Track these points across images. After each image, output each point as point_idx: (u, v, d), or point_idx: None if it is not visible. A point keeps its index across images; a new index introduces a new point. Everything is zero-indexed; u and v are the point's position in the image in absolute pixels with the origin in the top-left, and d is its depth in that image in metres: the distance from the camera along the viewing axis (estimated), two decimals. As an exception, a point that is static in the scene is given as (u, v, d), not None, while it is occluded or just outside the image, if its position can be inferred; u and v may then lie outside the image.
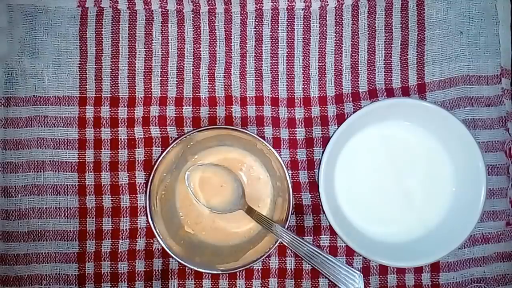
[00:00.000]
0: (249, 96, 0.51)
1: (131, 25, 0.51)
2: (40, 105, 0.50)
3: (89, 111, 0.50)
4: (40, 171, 0.50)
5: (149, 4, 0.50)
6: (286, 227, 0.45)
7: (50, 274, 0.50)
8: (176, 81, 0.51)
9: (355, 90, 0.51)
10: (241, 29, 0.51)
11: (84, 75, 0.50)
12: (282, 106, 0.51)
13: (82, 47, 0.50)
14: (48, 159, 0.50)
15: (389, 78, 0.51)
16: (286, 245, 0.45)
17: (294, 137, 0.51)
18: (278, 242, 0.46)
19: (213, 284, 0.50)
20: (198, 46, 0.51)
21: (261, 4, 0.51)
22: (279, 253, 0.51)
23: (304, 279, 0.51)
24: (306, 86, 0.51)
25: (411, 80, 0.51)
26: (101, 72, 0.51)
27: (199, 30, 0.51)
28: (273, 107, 0.51)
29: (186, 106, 0.51)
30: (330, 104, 0.51)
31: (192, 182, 0.49)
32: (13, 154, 0.50)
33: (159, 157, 0.46)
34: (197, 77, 0.51)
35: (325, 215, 0.47)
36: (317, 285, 0.51)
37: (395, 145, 0.50)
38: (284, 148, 0.51)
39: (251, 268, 0.50)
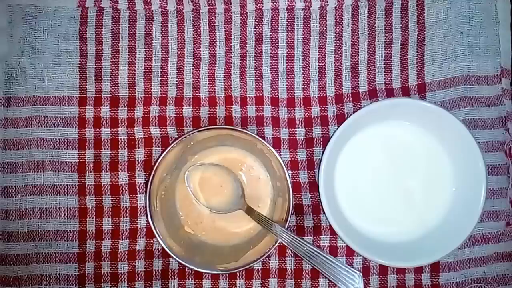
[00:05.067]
0: (249, 96, 0.51)
1: (131, 25, 0.51)
2: (40, 105, 0.50)
3: (89, 111, 0.50)
4: (40, 171, 0.50)
5: (149, 4, 0.50)
6: (286, 227, 0.45)
7: (50, 274, 0.50)
8: (176, 81, 0.51)
9: (355, 90, 0.51)
10: (241, 29, 0.51)
11: (84, 75, 0.50)
12: (282, 106, 0.51)
13: (82, 47, 0.50)
14: (48, 159, 0.50)
15: (389, 78, 0.51)
16: (286, 245, 0.45)
17: (294, 137, 0.51)
18: (278, 242, 0.45)
19: (213, 284, 0.50)
20: (198, 46, 0.51)
21: (261, 4, 0.51)
22: (279, 253, 0.51)
23: (304, 279, 0.51)
24: (306, 86, 0.51)
25: (411, 80, 0.51)
26: (101, 72, 0.51)
27: (199, 30, 0.51)
28: (273, 107, 0.51)
29: (186, 106, 0.51)
30: (330, 104, 0.51)
31: (192, 182, 0.49)
32: (13, 154, 0.50)
33: (159, 157, 0.46)
34: (197, 77, 0.51)
35: (325, 215, 0.47)
36: (317, 285, 0.51)
37: (395, 145, 0.50)
38: (284, 148, 0.51)
39: (251, 268, 0.50)
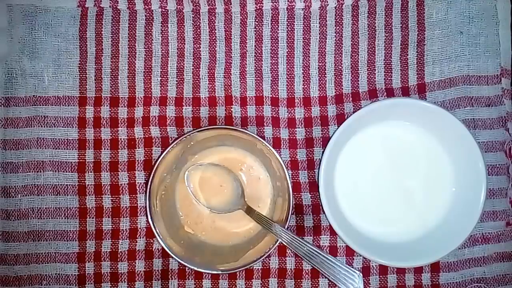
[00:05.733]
0: (249, 96, 0.51)
1: (131, 25, 0.51)
2: (40, 105, 0.50)
3: (89, 111, 0.50)
4: (40, 171, 0.50)
5: (149, 4, 0.50)
6: (286, 227, 0.45)
7: (50, 274, 0.50)
8: (176, 81, 0.51)
9: (355, 90, 0.51)
10: (241, 29, 0.51)
11: (84, 75, 0.50)
12: (282, 106, 0.51)
13: (82, 47, 0.50)
14: (48, 159, 0.50)
15: (389, 78, 0.51)
16: (286, 245, 0.45)
17: (294, 137, 0.51)
18: (278, 242, 0.45)
19: (213, 284, 0.50)
20: (198, 46, 0.51)
21: (261, 4, 0.51)
22: (279, 253, 0.51)
23: (304, 279, 0.51)
24: (306, 86, 0.51)
25: (411, 80, 0.51)
26: (101, 72, 0.51)
27: (199, 30, 0.51)
28: (273, 107, 0.51)
29: (186, 106, 0.51)
30: (330, 104, 0.51)
31: (192, 182, 0.49)
32: (13, 154, 0.50)
33: (159, 157, 0.46)
34: (197, 77, 0.51)
35: (325, 215, 0.47)
36: (317, 285, 0.51)
37: (395, 145, 0.50)
38: (284, 148, 0.51)
39: (251, 268, 0.50)
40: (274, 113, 0.51)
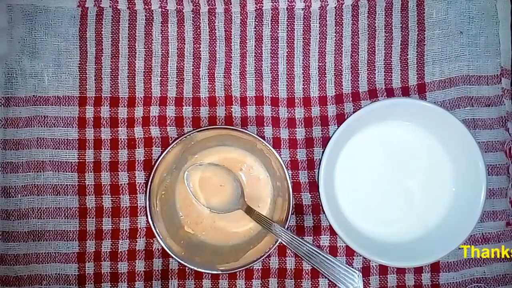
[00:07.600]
0: (249, 96, 0.51)
1: (131, 25, 0.51)
2: (40, 105, 0.50)
3: (89, 111, 0.50)
4: (40, 171, 0.50)
5: (149, 4, 0.50)
6: (286, 227, 0.45)
7: (50, 274, 0.50)
8: (176, 81, 0.51)
9: (355, 90, 0.51)
10: (241, 29, 0.51)
11: (84, 75, 0.50)
12: (282, 106, 0.51)
13: (82, 47, 0.50)
14: (48, 159, 0.50)
15: (389, 78, 0.51)
16: (286, 244, 0.45)
17: (294, 137, 0.51)
18: (278, 242, 0.45)
19: (213, 284, 0.50)
20: (198, 46, 0.51)
21: (261, 4, 0.51)
22: (279, 253, 0.51)
23: (304, 279, 0.51)
24: (306, 86, 0.51)
25: (411, 80, 0.51)
26: (101, 72, 0.51)
27: (199, 30, 0.51)
28: (273, 107, 0.51)
29: (186, 106, 0.51)
30: (330, 104, 0.51)
31: (192, 182, 0.49)
32: (13, 154, 0.50)
33: (159, 157, 0.46)
34: (197, 77, 0.51)
35: (325, 215, 0.47)
36: (317, 285, 0.51)
37: (395, 145, 0.50)
38: (284, 148, 0.51)
39: (251, 268, 0.50)
40: (274, 113, 0.51)
